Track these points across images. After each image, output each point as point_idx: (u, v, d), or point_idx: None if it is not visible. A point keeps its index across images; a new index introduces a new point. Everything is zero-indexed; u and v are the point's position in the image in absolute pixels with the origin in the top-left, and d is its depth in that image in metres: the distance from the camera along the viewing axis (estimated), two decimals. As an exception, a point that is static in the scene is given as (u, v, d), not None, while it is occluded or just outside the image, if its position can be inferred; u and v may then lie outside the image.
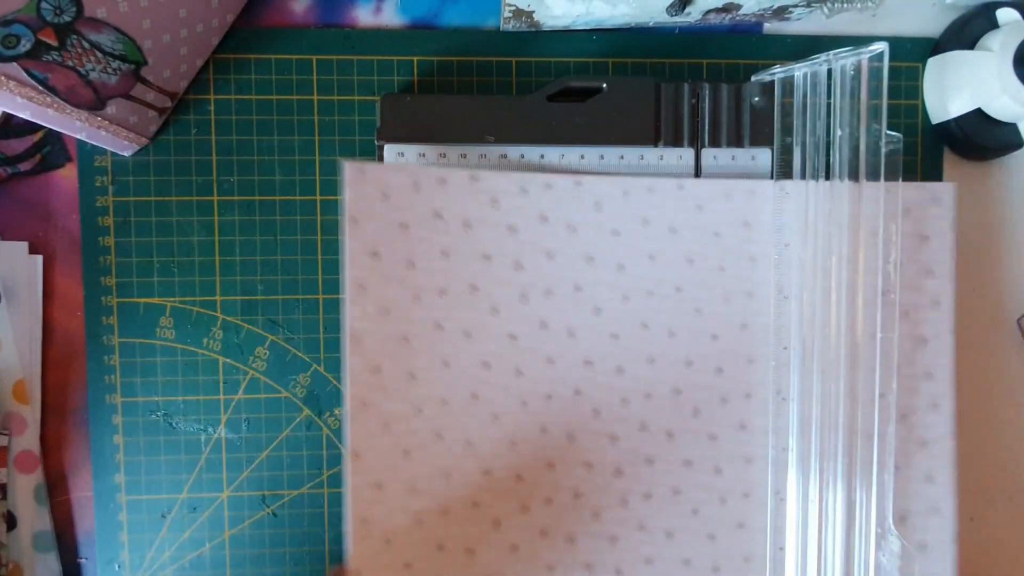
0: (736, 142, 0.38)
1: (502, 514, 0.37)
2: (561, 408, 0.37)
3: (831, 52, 0.36)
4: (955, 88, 0.40)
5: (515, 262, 0.37)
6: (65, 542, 0.39)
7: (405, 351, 0.36)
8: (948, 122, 0.40)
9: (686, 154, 0.38)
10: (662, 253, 0.38)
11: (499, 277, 0.37)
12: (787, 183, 0.38)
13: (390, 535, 0.36)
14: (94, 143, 0.36)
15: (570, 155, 0.38)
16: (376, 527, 0.35)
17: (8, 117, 0.37)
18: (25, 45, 0.29)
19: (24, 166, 0.38)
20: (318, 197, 0.39)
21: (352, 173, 0.35)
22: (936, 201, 0.38)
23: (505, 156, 0.37)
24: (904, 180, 0.37)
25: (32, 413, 0.38)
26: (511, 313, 0.37)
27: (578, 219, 0.37)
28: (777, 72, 0.38)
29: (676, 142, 0.38)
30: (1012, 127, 0.40)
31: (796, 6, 0.37)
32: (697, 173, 0.38)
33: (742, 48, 0.40)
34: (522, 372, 0.37)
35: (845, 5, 0.37)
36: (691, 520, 0.38)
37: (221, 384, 0.39)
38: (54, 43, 0.29)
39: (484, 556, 0.37)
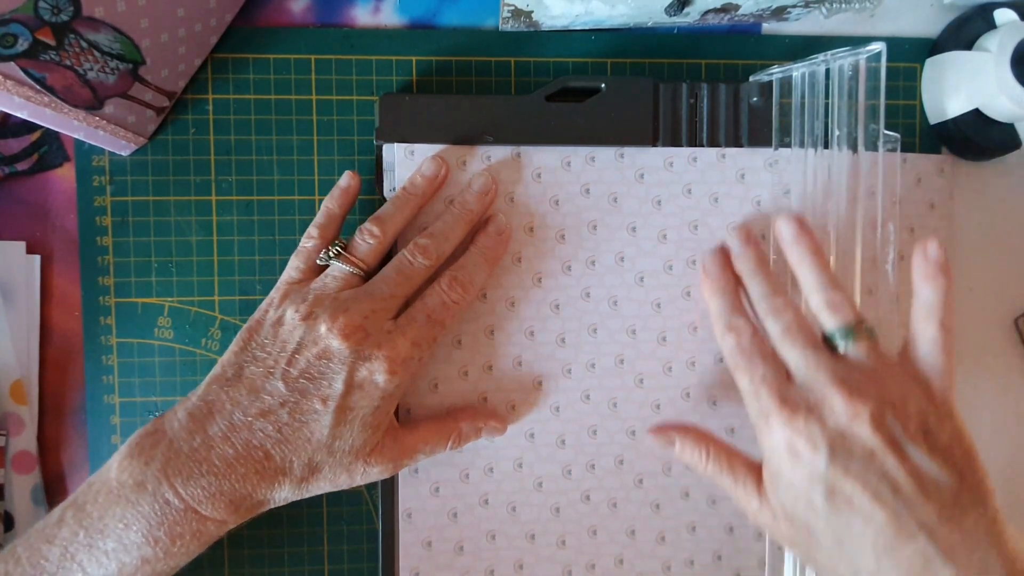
0: (734, 142, 0.38)
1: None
2: (604, 373, 0.38)
3: (829, 52, 0.36)
4: (953, 89, 0.40)
5: (558, 234, 0.38)
6: (63, 543, 0.38)
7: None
8: (946, 122, 0.40)
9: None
10: (704, 222, 0.38)
11: (543, 249, 0.38)
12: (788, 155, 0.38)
13: None
14: (92, 143, 0.36)
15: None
16: None
17: (6, 116, 0.37)
18: (23, 44, 0.29)
19: (22, 166, 0.38)
20: (316, 197, 0.39)
21: (402, 155, 0.37)
22: (940, 172, 0.40)
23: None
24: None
25: (30, 413, 0.38)
26: (554, 283, 0.38)
27: (621, 190, 0.38)
28: (775, 72, 0.38)
29: (674, 142, 0.38)
30: (1010, 127, 0.40)
31: (794, 6, 0.38)
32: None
33: (740, 48, 0.41)
34: (565, 339, 0.38)
35: (843, 5, 0.37)
36: None
37: (219, 384, 0.39)
38: (52, 42, 0.29)
39: None
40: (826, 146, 0.38)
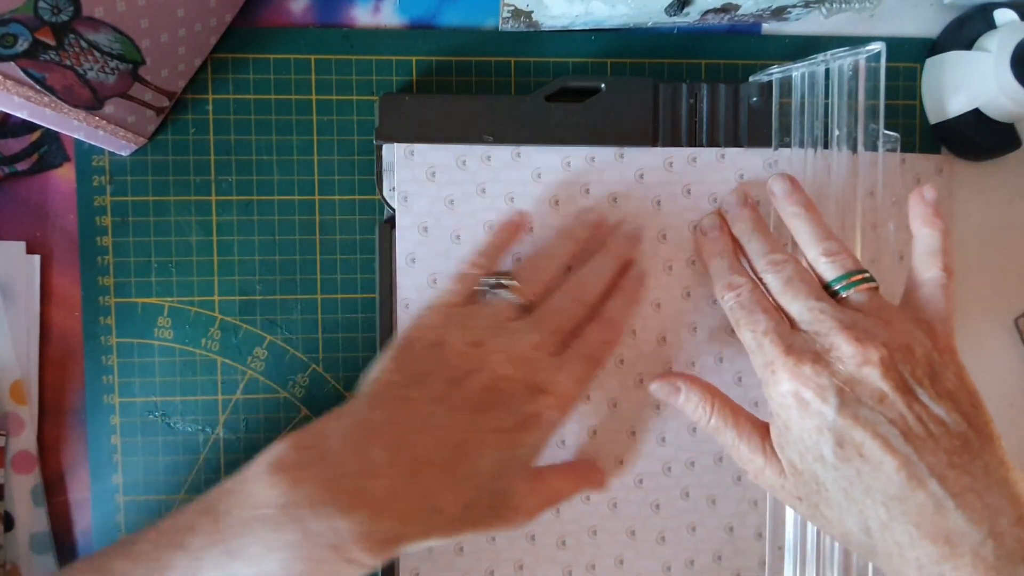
0: (734, 142, 0.38)
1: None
2: (604, 373, 0.38)
3: (829, 52, 0.36)
4: (953, 89, 0.40)
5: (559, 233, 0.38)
6: (62, 543, 0.38)
7: None
8: (946, 122, 0.40)
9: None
10: None
11: None
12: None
13: None
14: (92, 143, 0.36)
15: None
16: None
17: (6, 116, 0.37)
18: (23, 44, 0.29)
19: (22, 166, 0.38)
20: (316, 197, 0.39)
21: (402, 155, 0.37)
22: (939, 172, 0.41)
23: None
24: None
25: (30, 413, 0.38)
26: None
27: (621, 190, 0.38)
28: (775, 72, 0.38)
29: (674, 142, 0.38)
30: (1009, 127, 0.40)
31: (794, 6, 0.38)
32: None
33: (740, 48, 0.41)
34: None
35: (843, 6, 0.37)
36: (733, 488, 0.39)
37: (219, 384, 0.39)
38: (52, 42, 0.29)
39: None
40: (826, 146, 0.38)
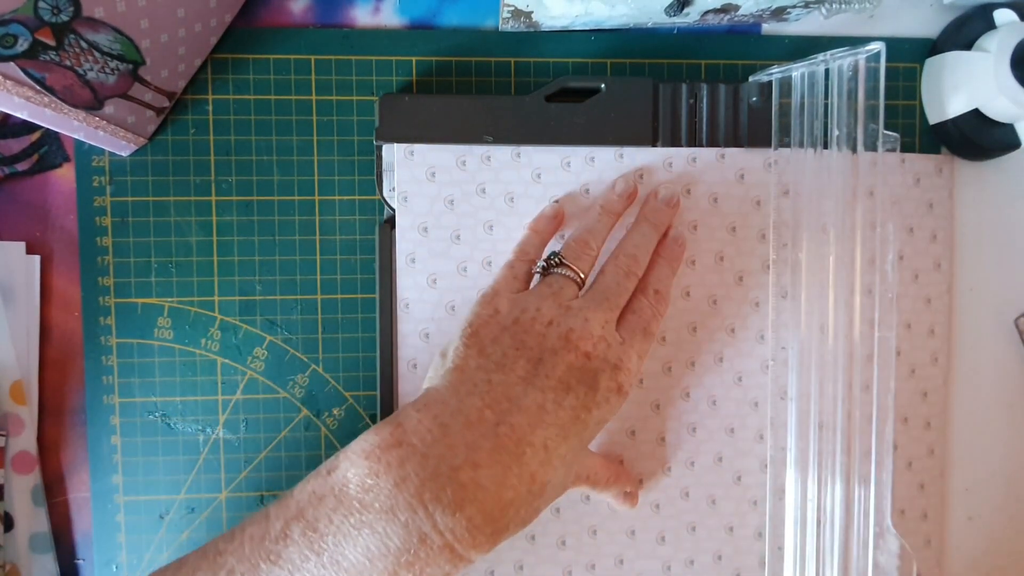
0: (734, 142, 0.39)
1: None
2: None
3: (829, 52, 0.36)
4: (952, 89, 0.40)
5: (559, 234, 0.38)
6: (62, 543, 0.38)
7: (452, 319, 0.37)
8: (946, 122, 0.40)
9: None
10: (704, 222, 0.38)
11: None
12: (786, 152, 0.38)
13: None
14: (92, 143, 0.36)
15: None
16: None
17: (6, 116, 0.37)
18: (23, 45, 0.29)
19: (22, 166, 0.38)
20: (316, 197, 0.39)
21: (402, 155, 0.37)
22: (939, 172, 0.41)
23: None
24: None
25: (29, 414, 0.38)
26: None
27: None
28: (775, 72, 0.38)
29: (674, 142, 0.38)
30: (1009, 127, 0.40)
31: (794, 7, 0.38)
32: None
33: (740, 48, 0.41)
34: None
35: (843, 6, 0.37)
36: (733, 488, 0.39)
37: (219, 384, 0.39)
38: (52, 43, 0.29)
39: None
40: (825, 146, 0.38)
